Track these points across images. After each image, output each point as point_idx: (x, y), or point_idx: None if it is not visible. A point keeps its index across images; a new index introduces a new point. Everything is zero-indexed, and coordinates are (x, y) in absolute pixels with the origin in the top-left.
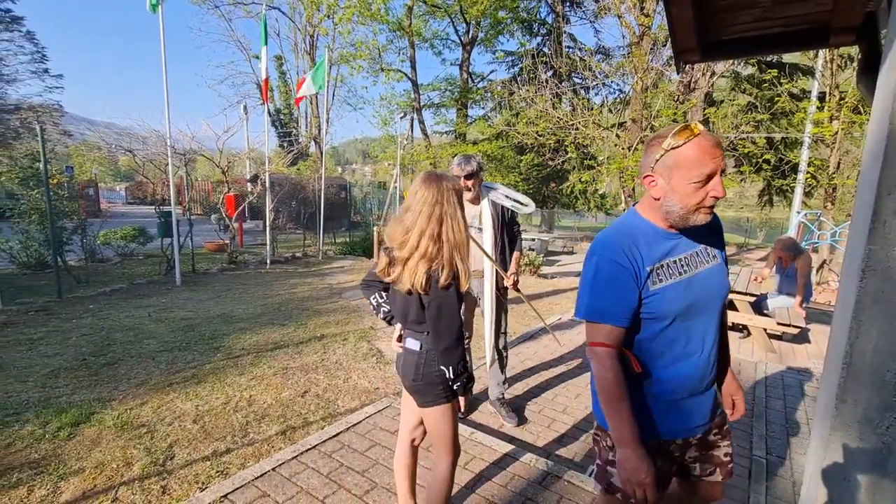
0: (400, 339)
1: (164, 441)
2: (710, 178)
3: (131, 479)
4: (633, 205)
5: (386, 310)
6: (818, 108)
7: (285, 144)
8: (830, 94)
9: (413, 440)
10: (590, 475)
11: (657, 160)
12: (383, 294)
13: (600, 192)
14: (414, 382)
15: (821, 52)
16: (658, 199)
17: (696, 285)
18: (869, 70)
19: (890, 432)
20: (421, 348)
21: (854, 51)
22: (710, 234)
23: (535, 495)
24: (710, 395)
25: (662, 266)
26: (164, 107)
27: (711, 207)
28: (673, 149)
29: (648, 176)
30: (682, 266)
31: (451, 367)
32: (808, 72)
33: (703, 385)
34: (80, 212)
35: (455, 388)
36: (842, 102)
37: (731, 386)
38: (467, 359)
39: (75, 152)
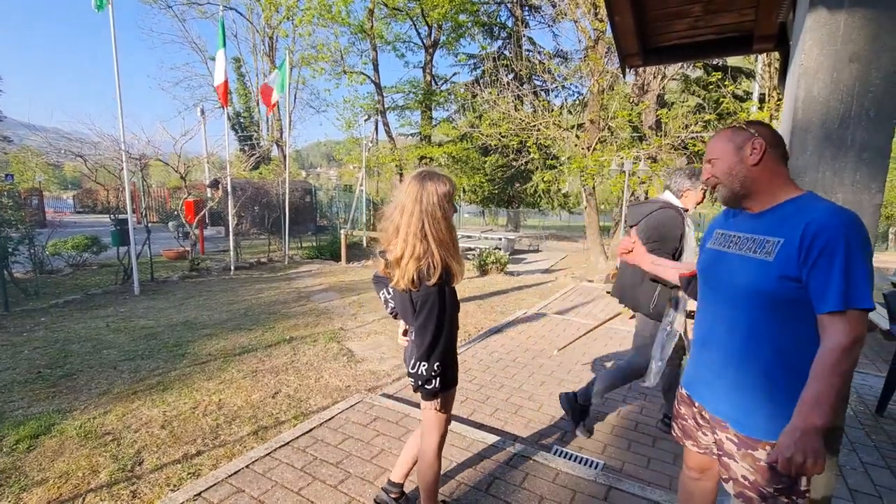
0: (405, 332)
1: (131, 447)
2: (709, 161)
3: (99, 486)
4: None
5: (392, 305)
6: (759, 108)
7: (246, 148)
8: (769, 95)
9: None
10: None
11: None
12: (391, 290)
13: (563, 192)
14: (407, 370)
15: (760, 57)
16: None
17: (720, 263)
18: (784, 74)
19: None
20: (413, 340)
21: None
22: (788, 229)
23: (503, 474)
24: (722, 383)
25: (721, 233)
26: (116, 110)
27: (710, 188)
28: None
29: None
30: (729, 241)
31: (422, 364)
32: (750, 74)
33: (711, 362)
34: (25, 220)
35: (426, 384)
36: (779, 103)
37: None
38: (447, 361)
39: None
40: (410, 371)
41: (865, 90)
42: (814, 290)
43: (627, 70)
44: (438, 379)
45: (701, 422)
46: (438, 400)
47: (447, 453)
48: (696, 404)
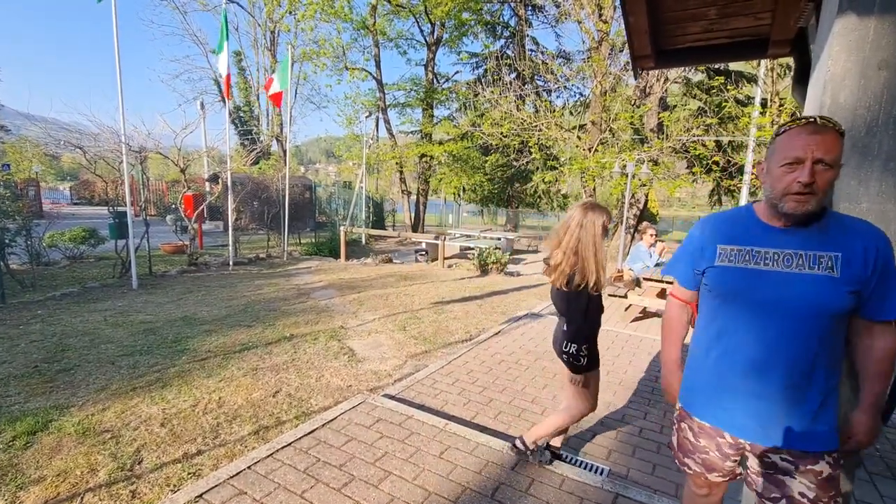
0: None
1: (130, 446)
2: (798, 162)
3: (97, 486)
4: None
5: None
6: (761, 113)
7: (246, 143)
8: (771, 100)
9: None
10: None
11: (768, 148)
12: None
13: (563, 192)
14: (557, 349)
15: (763, 62)
16: (762, 187)
17: (761, 281)
18: (801, 79)
19: None
20: (564, 327)
21: (792, 61)
22: (843, 244)
23: (509, 479)
24: (777, 408)
25: (740, 250)
26: (117, 101)
27: (798, 194)
28: (777, 136)
29: (760, 163)
30: (766, 258)
31: (573, 345)
32: (752, 79)
33: (760, 390)
34: (23, 211)
35: (576, 361)
36: (781, 108)
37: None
38: (591, 346)
39: (11, 149)
40: (563, 350)
41: (894, 98)
42: (874, 301)
43: (638, 72)
44: (586, 358)
45: (730, 451)
46: (583, 376)
47: (451, 457)
48: (727, 436)
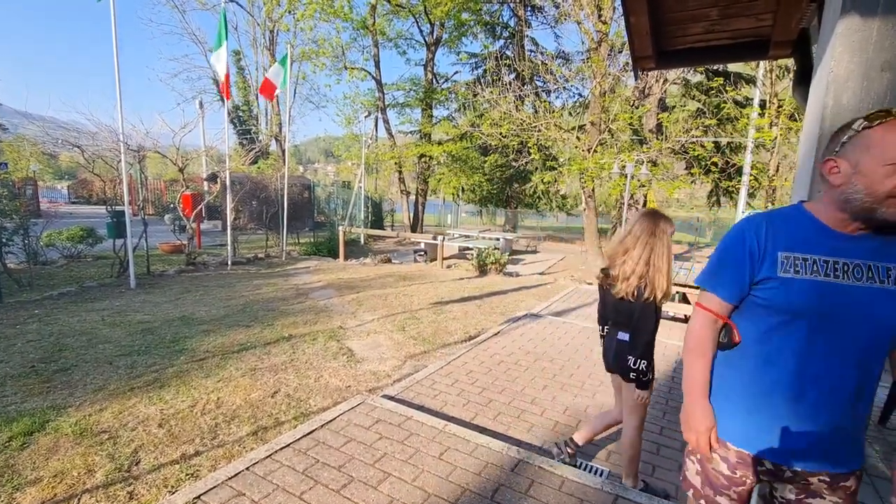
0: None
1: (127, 447)
2: None
3: (95, 487)
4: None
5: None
6: (759, 114)
7: (245, 142)
8: (770, 101)
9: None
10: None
11: (843, 143)
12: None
13: (561, 193)
14: (616, 363)
15: (762, 63)
16: (838, 187)
17: (845, 299)
18: (802, 81)
19: None
20: (627, 339)
21: (790, 62)
22: None
23: (508, 481)
24: (825, 432)
25: (806, 259)
26: (115, 100)
27: None
28: (867, 129)
29: (830, 161)
30: (837, 270)
31: (643, 361)
32: (751, 80)
33: (815, 412)
34: (21, 210)
35: (644, 377)
36: (780, 110)
37: None
38: (652, 359)
39: (8, 148)
40: (633, 367)
41: None
42: None
43: (639, 73)
44: (651, 372)
45: (765, 478)
46: (649, 392)
47: (450, 458)
48: (768, 463)
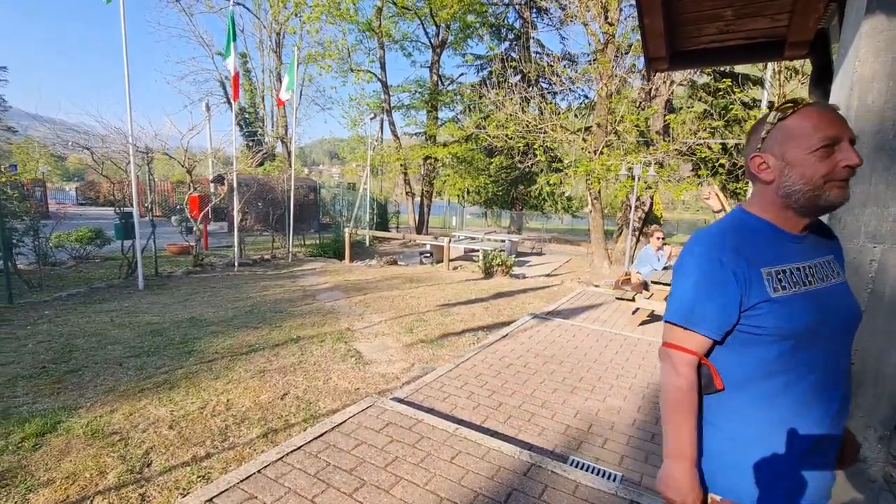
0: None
1: (139, 448)
2: (834, 143)
3: (107, 489)
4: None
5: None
6: None
7: (251, 144)
8: (778, 102)
9: None
10: None
11: (763, 139)
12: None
13: (567, 195)
14: None
15: (769, 65)
16: (771, 183)
17: (826, 303)
18: (820, 81)
19: None
20: None
21: (798, 63)
22: (833, 246)
23: (521, 486)
24: (831, 472)
25: (784, 271)
26: (125, 102)
27: (845, 181)
28: (780, 120)
29: (756, 157)
30: (807, 275)
31: None
32: (758, 82)
33: (827, 450)
34: (31, 212)
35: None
36: None
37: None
38: None
39: (18, 150)
40: None
41: None
42: None
43: (652, 74)
44: None
45: None
46: None
47: (462, 462)
48: None
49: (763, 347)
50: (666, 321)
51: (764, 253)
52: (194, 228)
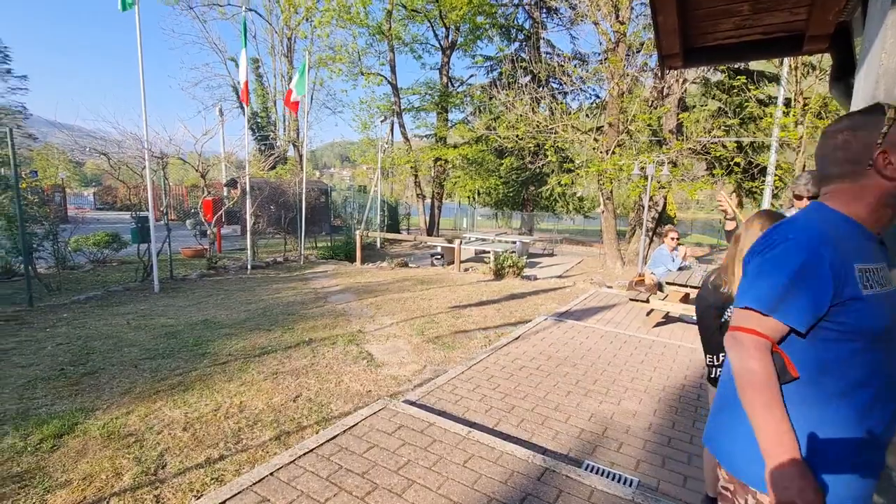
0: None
1: (153, 450)
2: None
3: (122, 490)
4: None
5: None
6: (784, 113)
7: (263, 148)
8: (795, 100)
9: None
10: None
11: (884, 134)
12: None
13: (578, 195)
14: None
15: (785, 60)
16: (893, 180)
17: (895, 306)
18: (841, 76)
19: None
20: None
21: (816, 59)
22: (886, 252)
23: (535, 491)
24: (877, 475)
25: (871, 270)
26: (140, 108)
27: None
28: None
29: (883, 154)
30: (884, 276)
31: None
32: (774, 78)
33: (879, 454)
34: (50, 217)
35: None
36: (806, 108)
37: None
38: None
39: (38, 156)
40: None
41: None
42: None
43: (666, 71)
44: None
45: None
46: None
47: (475, 466)
48: None
49: (840, 344)
50: (744, 307)
51: (855, 250)
52: (208, 232)
